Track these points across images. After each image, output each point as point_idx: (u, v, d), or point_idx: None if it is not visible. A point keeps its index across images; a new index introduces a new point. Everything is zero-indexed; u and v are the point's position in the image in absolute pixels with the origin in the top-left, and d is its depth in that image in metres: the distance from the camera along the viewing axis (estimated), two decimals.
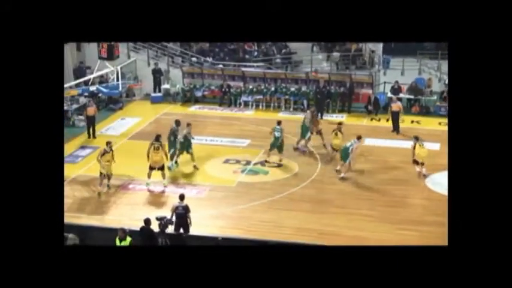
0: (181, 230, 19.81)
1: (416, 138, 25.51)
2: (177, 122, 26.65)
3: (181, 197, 20.39)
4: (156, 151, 23.89)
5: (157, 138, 24.23)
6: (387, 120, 31.33)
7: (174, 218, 19.84)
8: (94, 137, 29.77)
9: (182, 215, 19.87)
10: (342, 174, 25.04)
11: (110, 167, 23.74)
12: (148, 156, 23.95)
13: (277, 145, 26.44)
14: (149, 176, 24.11)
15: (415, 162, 25.24)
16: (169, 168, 25.36)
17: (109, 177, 23.82)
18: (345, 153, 25.06)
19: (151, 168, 24.04)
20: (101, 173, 23.60)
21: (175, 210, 20.00)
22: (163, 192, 23.97)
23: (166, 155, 24.27)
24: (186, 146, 25.57)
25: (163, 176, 24.16)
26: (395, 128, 30.12)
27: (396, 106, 30.20)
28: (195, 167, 25.58)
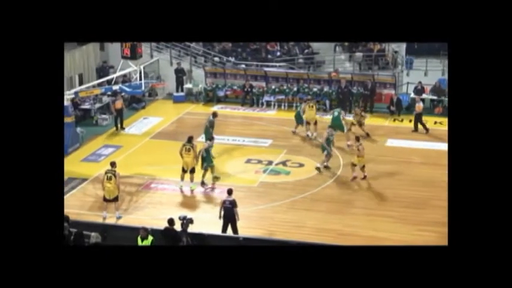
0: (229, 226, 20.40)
1: (358, 139, 25.22)
2: (214, 114, 27.69)
3: (230, 192, 20.61)
4: (188, 152, 23.78)
5: (190, 139, 24.12)
6: (410, 121, 31.21)
7: (222, 213, 20.29)
8: (122, 128, 30.61)
9: (229, 210, 20.19)
10: (325, 164, 25.71)
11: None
12: (181, 156, 23.86)
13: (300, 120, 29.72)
14: (182, 178, 24.07)
15: (353, 165, 24.82)
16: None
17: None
18: (325, 144, 25.74)
19: (184, 171, 23.98)
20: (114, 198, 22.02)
21: (223, 204, 20.26)
22: (186, 191, 24.02)
23: (196, 158, 24.06)
24: (207, 161, 24.58)
25: (192, 179, 24.03)
26: (416, 128, 30.17)
27: (418, 107, 30.21)
28: (215, 178, 24.69)
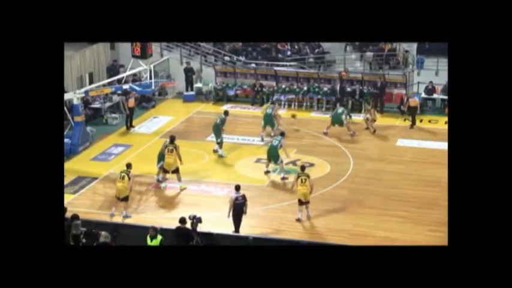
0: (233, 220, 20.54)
1: (303, 169, 22.18)
2: (226, 112, 28.12)
3: (238, 188, 20.77)
4: (170, 153, 23.69)
5: (172, 140, 24.10)
6: (420, 120, 31.08)
7: (232, 209, 20.46)
8: (132, 126, 30.73)
9: (242, 205, 20.48)
10: (283, 175, 24.84)
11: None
12: (162, 156, 23.83)
13: (270, 122, 28.96)
14: (164, 178, 24.12)
15: (300, 202, 21.58)
16: (220, 156, 26.75)
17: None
18: (274, 152, 24.89)
19: (165, 172, 23.96)
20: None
21: (235, 201, 20.42)
22: (188, 191, 24.01)
23: (180, 158, 23.93)
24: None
25: (179, 179, 24.04)
26: (414, 123, 30.63)
27: (413, 101, 30.37)
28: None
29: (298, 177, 21.55)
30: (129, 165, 22.22)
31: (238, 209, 20.43)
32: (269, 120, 29.13)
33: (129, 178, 21.70)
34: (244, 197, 20.56)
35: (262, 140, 28.70)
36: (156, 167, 24.18)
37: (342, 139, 28.89)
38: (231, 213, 20.51)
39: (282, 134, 25.73)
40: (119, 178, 21.77)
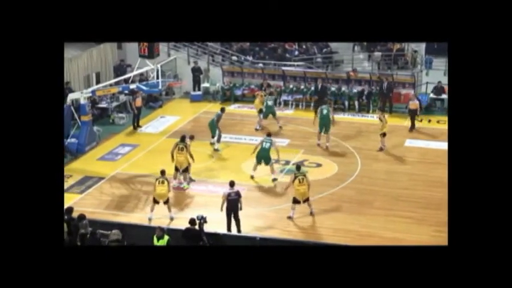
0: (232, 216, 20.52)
1: (298, 168, 22.26)
2: (223, 109, 28.49)
3: (232, 184, 20.76)
4: (181, 152, 23.75)
5: (183, 138, 24.20)
6: (429, 121, 30.97)
7: (225, 206, 20.40)
8: (139, 126, 30.80)
9: (235, 201, 20.41)
10: (273, 176, 24.64)
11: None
12: (172, 156, 23.82)
13: (272, 111, 30.40)
14: (175, 177, 24.04)
15: (296, 201, 21.53)
16: (217, 150, 27.37)
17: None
18: (267, 154, 24.70)
19: (177, 170, 23.95)
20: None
21: (227, 197, 20.39)
22: (190, 190, 24.01)
23: (191, 156, 23.97)
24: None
25: (185, 178, 24.12)
26: (413, 126, 30.38)
27: (413, 104, 30.25)
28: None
29: (296, 177, 21.35)
30: (163, 172, 21.91)
31: (231, 205, 20.37)
32: (271, 110, 30.23)
33: (168, 182, 21.63)
34: (237, 193, 20.51)
35: (259, 127, 30.12)
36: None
37: (349, 139, 28.82)
38: (224, 209, 20.43)
39: (269, 135, 25.43)
40: (158, 183, 21.39)
